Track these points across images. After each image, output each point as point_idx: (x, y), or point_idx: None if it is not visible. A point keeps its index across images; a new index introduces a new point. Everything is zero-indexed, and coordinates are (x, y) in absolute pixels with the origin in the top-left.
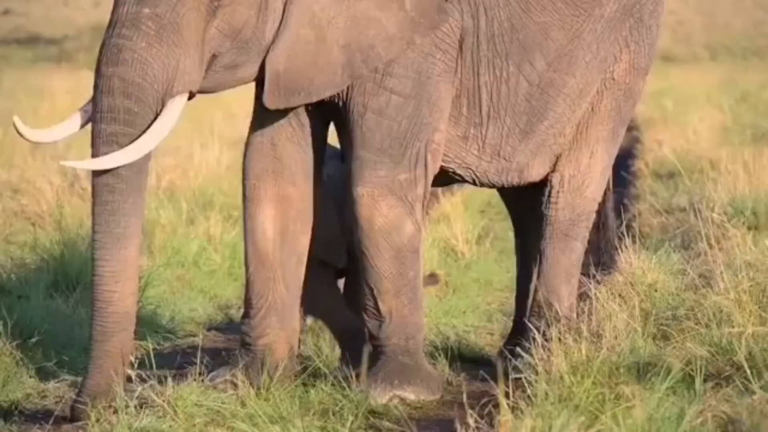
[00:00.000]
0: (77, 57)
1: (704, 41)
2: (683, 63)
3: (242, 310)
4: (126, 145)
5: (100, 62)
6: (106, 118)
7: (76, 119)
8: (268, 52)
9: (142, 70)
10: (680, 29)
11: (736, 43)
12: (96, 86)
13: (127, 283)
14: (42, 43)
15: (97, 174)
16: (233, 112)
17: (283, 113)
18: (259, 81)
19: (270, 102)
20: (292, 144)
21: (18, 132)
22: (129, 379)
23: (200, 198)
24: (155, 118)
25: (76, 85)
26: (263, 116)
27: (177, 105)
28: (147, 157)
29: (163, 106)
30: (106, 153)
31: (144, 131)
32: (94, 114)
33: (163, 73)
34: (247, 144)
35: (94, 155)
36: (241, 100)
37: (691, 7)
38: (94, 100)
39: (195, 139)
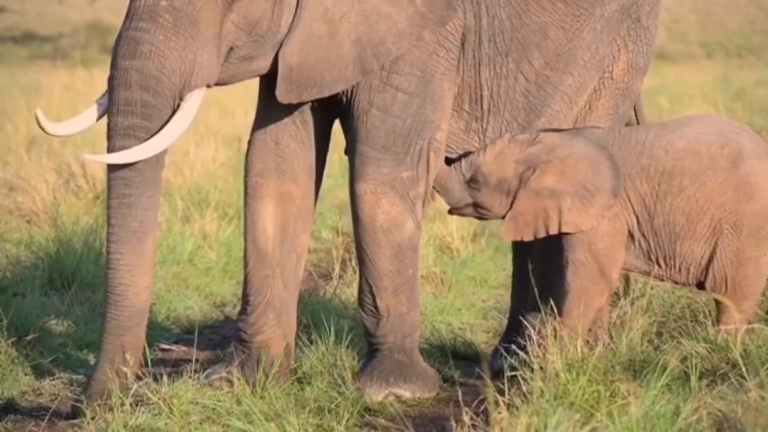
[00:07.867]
0: (73, 55)
1: (699, 39)
2: (678, 61)
3: (238, 308)
4: (143, 139)
5: (117, 55)
6: (123, 111)
7: (93, 112)
8: (281, 45)
9: (160, 63)
10: (675, 27)
11: (731, 41)
12: (112, 79)
13: (142, 277)
14: (37, 40)
15: (113, 168)
16: (228, 109)
17: (287, 111)
18: (265, 77)
19: (282, 96)
20: (296, 142)
21: (39, 125)
22: (139, 377)
23: (195, 195)
24: (173, 112)
25: (72, 82)
26: (267, 114)
27: (196, 98)
28: (164, 151)
29: (180, 99)
30: (123, 146)
31: (162, 125)
32: (110, 107)
33: (180, 66)
34: (251, 141)
35: (110, 149)
36: (236, 97)
37: (686, 4)
38: (110, 93)
39: (190, 137)
